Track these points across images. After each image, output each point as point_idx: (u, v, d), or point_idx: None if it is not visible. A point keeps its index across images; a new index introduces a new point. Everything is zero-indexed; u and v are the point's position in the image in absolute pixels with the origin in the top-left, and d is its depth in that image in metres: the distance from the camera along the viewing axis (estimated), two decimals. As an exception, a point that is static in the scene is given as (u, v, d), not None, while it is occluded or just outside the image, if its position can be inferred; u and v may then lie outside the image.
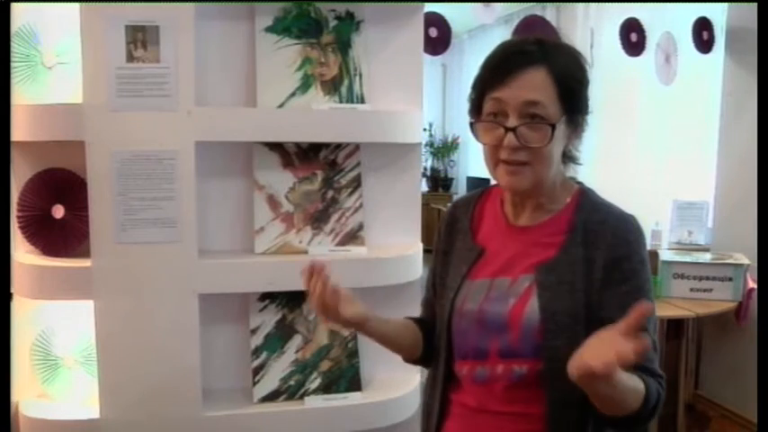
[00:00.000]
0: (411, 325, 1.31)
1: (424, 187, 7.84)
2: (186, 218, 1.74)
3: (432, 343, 1.28)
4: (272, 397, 1.86)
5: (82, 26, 1.66)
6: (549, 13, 5.16)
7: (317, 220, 1.90)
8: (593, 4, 4.67)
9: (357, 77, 1.91)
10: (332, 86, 1.90)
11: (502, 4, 3.72)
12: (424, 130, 5.07)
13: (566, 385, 0.95)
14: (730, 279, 3.07)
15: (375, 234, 1.97)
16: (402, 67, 1.97)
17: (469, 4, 3.42)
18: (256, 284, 1.84)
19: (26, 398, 1.85)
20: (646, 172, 4.31)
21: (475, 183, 7.07)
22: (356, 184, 1.94)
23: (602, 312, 1.10)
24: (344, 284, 1.87)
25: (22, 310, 1.81)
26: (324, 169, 1.92)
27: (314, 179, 1.92)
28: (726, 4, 3.55)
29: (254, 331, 1.89)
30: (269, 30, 1.87)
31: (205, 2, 1.77)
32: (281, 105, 1.85)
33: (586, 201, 1.18)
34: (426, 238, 1.91)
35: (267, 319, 1.90)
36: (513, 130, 1.08)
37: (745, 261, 3.08)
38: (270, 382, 1.87)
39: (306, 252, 1.87)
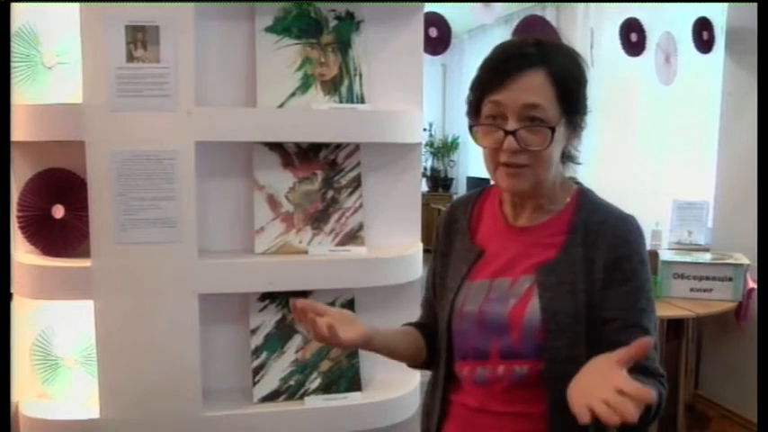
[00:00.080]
0: (412, 332, 1.31)
1: (424, 187, 7.84)
2: (186, 218, 1.74)
3: (435, 347, 1.28)
4: (272, 397, 1.86)
5: (82, 26, 1.66)
6: (549, 13, 5.16)
7: (317, 220, 1.90)
8: (593, 4, 4.67)
9: (357, 77, 1.91)
10: (332, 86, 1.90)
11: (502, 4, 3.72)
12: (424, 130, 5.06)
13: (567, 385, 0.95)
14: (730, 279, 3.07)
15: (375, 234, 1.97)
16: (402, 67, 1.97)
17: (469, 4, 3.42)
18: (256, 284, 1.84)
19: (26, 398, 1.85)
20: (646, 172, 4.31)
21: (475, 183, 7.07)
22: (356, 184, 1.94)
23: (603, 313, 1.10)
24: (344, 284, 1.90)
25: (22, 310, 1.81)
26: (324, 169, 1.92)
27: (314, 179, 1.92)
28: (726, 4, 3.55)
29: (254, 331, 1.89)
30: (269, 30, 1.87)
31: (205, 2, 1.77)
32: (281, 105, 1.85)
33: (586, 201, 1.18)
34: (426, 238, 1.91)
35: (267, 319, 1.90)
36: (513, 133, 1.07)
37: (745, 261, 3.08)
38: (270, 382, 1.87)
39: (306, 252, 1.87)
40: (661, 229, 3.61)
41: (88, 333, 1.78)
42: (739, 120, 3.38)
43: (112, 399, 1.75)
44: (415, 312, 1.40)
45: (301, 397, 1.87)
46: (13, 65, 1.73)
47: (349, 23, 1.92)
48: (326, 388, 1.90)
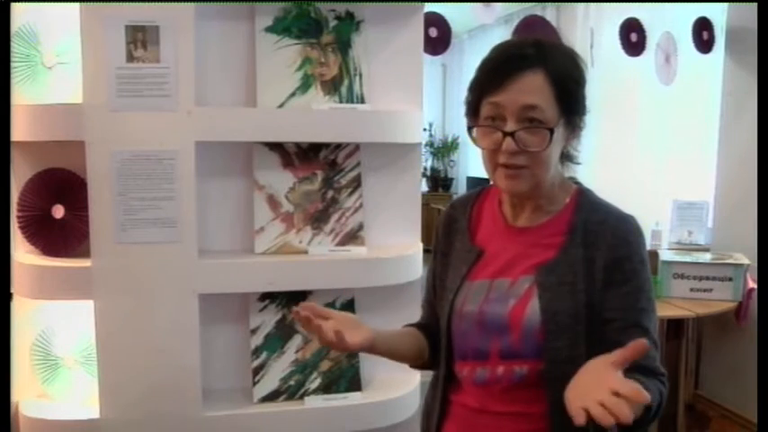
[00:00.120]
0: (415, 333, 1.31)
1: (424, 187, 7.84)
2: (186, 218, 1.74)
3: (437, 347, 1.28)
4: (272, 397, 1.86)
5: (82, 26, 1.66)
6: (549, 13, 5.15)
7: (317, 220, 1.90)
8: (593, 4, 4.67)
9: (357, 77, 1.91)
10: (332, 86, 1.90)
11: (502, 4, 3.71)
12: (424, 130, 5.07)
13: (567, 385, 0.95)
14: (730, 279, 3.07)
15: (375, 234, 1.97)
16: (402, 67, 1.97)
17: (469, 4, 3.42)
18: (256, 284, 1.84)
19: (26, 398, 1.85)
20: (646, 172, 4.31)
21: (475, 183, 7.07)
22: (356, 184, 1.94)
23: (604, 313, 1.10)
24: (344, 284, 1.90)
25: (22, 310, 1.81)
26: (324, 169, 1.92)
27: (314, 179, 1.92)
28: (726, 4, 3.55)
29: (254, 331, 1.89)
30: (269, 30, 1.87)
31: (205, 2, 1.77)
32: (281, 105, 1.85)
33: (585, 201, 1.18)
34: (426, 238, 1.91)
35: (267, 319, 1.90)
36: (512, 134, 1.07)
37: (745, 261, 3.08)
38: (270, 382, 1.87)
39: (306, 252, 1.87)
40: (661, 229, 3.61)
41: (88, 333, 1.78)
42: (739, 120, 3.37)
43: (112, 399, 1.75)
44: (415, 312, 1.40)
45: (301, 397, 1.87)
46: (13, 65, 1.73)
47: (349, 23, 1.92)
48: (326, 388, 1.90)
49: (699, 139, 3.85)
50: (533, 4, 5.31)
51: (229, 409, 1.82)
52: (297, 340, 1.91)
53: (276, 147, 1.89)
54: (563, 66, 1.10)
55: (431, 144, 8.12)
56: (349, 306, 1.94)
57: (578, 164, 1.20)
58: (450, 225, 1.28)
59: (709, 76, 3.68)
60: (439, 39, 3.30)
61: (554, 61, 1.09)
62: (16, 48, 1.77)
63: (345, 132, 1.87)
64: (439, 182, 8.25)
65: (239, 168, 1.90)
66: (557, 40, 1.21)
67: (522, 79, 1.07)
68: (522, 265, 1.15)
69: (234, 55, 1.87)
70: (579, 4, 4.85)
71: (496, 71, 1.09)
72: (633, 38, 3.67)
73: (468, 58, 7.34)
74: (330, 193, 1.92)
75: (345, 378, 1.91)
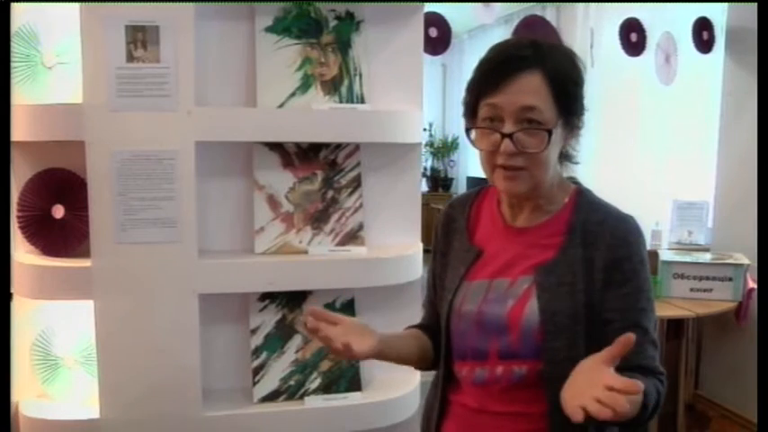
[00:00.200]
0: (418, 335, 1.31)
1: (424, 187, 7.84)
2: (186, 218, 1.74)
3: (440, 347, 1.28)
4: (272, 397, 1.86)
5: (82, 26, 1.66)
6: (549, 13, 5.16)
7: (317, 220, 1.90)
8: (593, 4, 4.67)
9: (357, 77, 1.91)
10: (332, 86, 1.90)
11: (502, 4, 3.72)
12: (424, 130, 5.07)
13: (565, 384, 0.95)
14: (730, 279, 3.07)
15: (375, 234, 1.97)
16: (402, 67, 1.97)
17: (469, 4, 3.42)
18: (256, 284, 1.84)
19: (26, 398, 1.85)
20: (646, 172, 4.31)
21: (475, 183, 7.05)
22: (356, 184, 1.94)
23: (603, 313, 1.10)
24: (344, 284, 1.90)
25: (22, 310, 1.81)
26: (324, 169, 1.92)
27: (314, 179, 1.92)
28: (726, 4, 3.55)
29: (254, 331, 1.89)
30: (269, 30, 1.87)
31: (205, 2, 1.77)
32: (281, 105, 1.85)
33: (584, 201, 1.18)
34: (426, 238, 1.91)
35: (267, 319, 1.90)
36: (510, 136, 1.07)
37: (745, 261, 3.08)
38: (270, 382, 1.87)
39: (306, 252, 1.87)
40: (661, 229, 3.61)
41: (88, 333, 1.78)
42: (739, 120, 3.37)
43: (112, 399, 1.75)
44: (415, 312, 1.40)
45: (301, 397, 1.87)
46: (13, 65, 1.73)
47: (349, 23, 1.92)
48: (326, 388, 1.90)
49: (699, 139, 3.85)
50: (533, 4, 5.31)
51: (229, 409, 1.82)
52: (297, 340, 1.91)
53: (276, 147, 1.89)
54: (561, 66, 1.10)
55: (431, 144, 8.12)
56: (349, 306, 1.94)
57: (577, 163, 1.20)
58: (449, 225, 1.28)
59: (709, 76, 3.68)
60: (439, 39, 3.30)
61: (552, 62, 1.09)
62: (16, 48, 1.77)
63: (345, 132, 1.87)
64: (439, 182, 8.25)
65: (239, 168, 1.90)
66: (555, 41, 1.21)
67: (519, 80, 1.07)
68: (520, 266, 1.15)
69: (234, 55, 1.87)
70: (579, 4, 4.85)
71: (494, 72, 1.09)
72: (633, 38, 3.67)
73: (468, 58, 7.35)
74: (330, 193, 1.92)
75: (345, 378, 1.91)
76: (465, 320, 1.17)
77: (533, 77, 1.07)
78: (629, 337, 0.92)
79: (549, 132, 1.07)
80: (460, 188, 8.15)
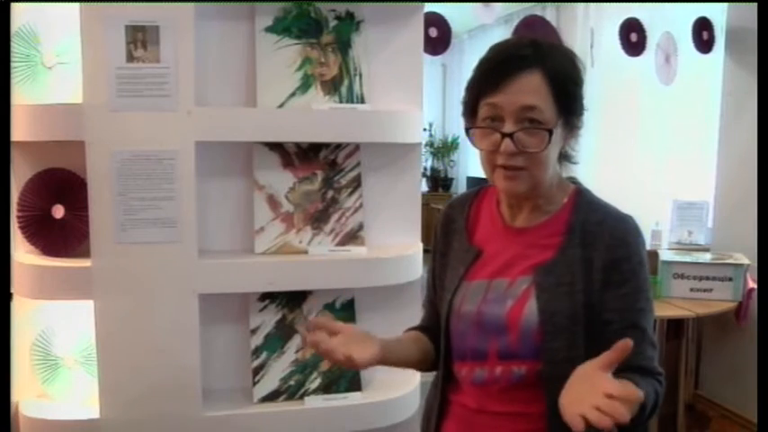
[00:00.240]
0: (418, 337, 1.30)
1: (424, 187, 7.84)
2: (186, 218, 1.74)
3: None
4: (272, 397, 1.86)
5: (82, 26, 1.66)
6: (549, 13, 5.16)
7: (317, 220, 1.90)
8: (593, 4, 4.67)
9: (357, 77, 1.91)
10: (332, 86, 1.90)
11: (502, 4, 3.72)
12: (424, 130, 5.07)
13: (565, 384, 0.95)
14: (730, 279, 3.07)
15: (375, 234, 1.97)
16: (402, 67, 1.96)
17: (469, 4, 3.42)
18: (256, 284, 1.84)
19: (26, 398, 1.85)
20: (646, 172, 4.31)
21: (475, 183, 7.02)
22: (356, 184, 1.94)
23: (602, 314, 1.10)
24: (344, 284, 1.90)
25: (22, 310, 1.81)
26: (324, 169, 1.92)
27: (314, 179, 1.92)
28: (726, 4, 3.55)
29: (254, 331, 1.89)
30: (269, 30, 1.87)
31: (205, 2, 1.77)
32: (281, 105, 1.85)
33: (583, 201, 1.18)
34: (426, 238, 1.91)
35: (267, 319, 1.90)
36: (510, 135, 1.07)
37: (745, 261, 3.08)
38: (270, 382, 1.87)
39: (306, 252, 1.87)
40: (661, 229, 3.61)
41: (88, 333, 1.78)
42: (739, 120, 3.38)
43: (112, 398, 1.75)
44: (415, 312, 1.40)
45: (301, 397, 1.87)
46: (13, 65, 1.73)
47: (349, 23, 1.92)
48: (326, 388, 1.90)
49: (699, 139, 3.85)
50: (533, 4, 5.31)
51: (229, 409, 1.82)
52: (297, 340, 1.91)
53: (276, 147, 1.89)
54: (561, 66, 1.10)
55: (431, 144, 8.12)
56: (349, 306, 1.94)
57: (575, 163, 1.20)
58: (449, 225, 1.28)
59: (709, 76, 3.68)
60: (439, 39, 3.30)
61: (552, 61, 1.09)
62: (16, 48, 1.77)
63: (345, 132, 1.87)
64: (439, 182, 8.25)
65: (239, 168, 1.90)
66: (555, 41, 1.21)
67: (519, 80, 1.07)
68: (520, 266, 1.15)
69: (234, 55, 1.87)
70: (579, 4, 4.85)
71: (494, 72, 1.09)
72: (633, 38, 3.66)
73: (468, 58, 7.35)
74: (330, 193, 1.92)
75: (345, 378, 1.91)
76: (464, 321, 1.17)
77: (533, 77, 1.07)
78: (627, 342, 0.92)
79: (550, 132, 1.07)
80: (460, 188, 8.15)
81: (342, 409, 1.87)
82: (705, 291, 3.09)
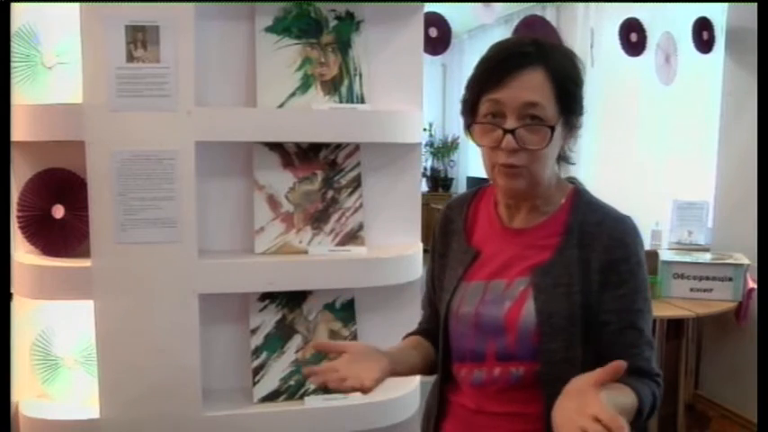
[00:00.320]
0: (419, 343, 1.30)
1: (424, 187, 7.84)
2: (186, 218, 1.74)
3: None
4: (272, 397, 1.86)
5: (82, 26, 1.66)
6: (549, 13, 5.15)
7: (317, 220, 1.90)
8: (593, 4, 4.67)
9: (357, 77, 1.91)
10: (332, 86, 1.90)
11: (502, 4, 3.72)
12: (424, 130, 5.07)
13: (563, 385, 0.95)
14: (730, 279, 3.07)
15: (375, 234, 1.97)
16: (402, 67, 1.97)
17: (469, 4, 3.42)
18: (256, 284, 1.84)
19: (26, 398, 1.85)
20: (646, 172, 4.31)
21: (475, 183, 7.02)
22: (356, 184, 1.94)
23: (600, 315, 1.10)
24: (344, 284, 1.90)
25: (22, 310, 1.81)
26: (324, 169, 1.92)
27: (314, 179, 1.92)
28: (726, 4, 3.55)
29: (254, 331, 1.89)
30: (269, 30, 1.87)
31: (205, 2, 1.77)
32: (281, 105, 1.85)
33: (581, 202, 1.17)
34: (426, 238, 1.91)
35: (267, 319, 1.90)
36: (512, 131, 1.07)
37: (745, 261, 3.08)
38: (270, 382, 1.87)
39: (306, 252, 1.87)
40: (661, 229, 3.61)
41: (88, 333, 1.78)
42: (739, 120, 3.37)
43: (112, 398, 1.75)
44: (415, 312, 1.40)
45: (301, 397, 1.87)
46: (13, 65, 1.73)
47: (349, 23, 1.92)
48: (326, 388, 1.89)
49: (699, 139, 3.85)
50: (533, 4, 5.31)
51: (229, 409, 1.82)
52: (297, 340, 1.91)
53: (276, 147, 1.89)
54: (562, 65, 1.10)
55: (431, 144, 8.12)
56: (349, 306, 1.94)
57: (572, 164, 1.20)
58: (447, 226, 1.27)
59: (709, 76, 3.68)
60: (439, 39, 3.30)
61: (554, 60, 1.09)
62: (16, 48, 1.77)
63: (345, 132, 1.87)
64: (439, 182, 8.25)
65: (239, 168, 1.90)
66: (555, 41, 1.20)
67: (522, 76, 1.07)
68: (517, 267, 1.15)
69: (234, 55, 1.87)
70: (579, 4, 4.85)
71: (497, 68, 1.09)
72: (633, 38, 3.66)
73: (469, 58, 7.34)
74: (330, 193, 1.92)
75: (345, 378, 1.91)
76: (463, 322, 1.17)
77: (536, 74, 1.07)
78: (621, 363, 0.91)
79: (552, 129, 1.07)
80: (460, 188, 8.15)
81: (342, 409, 1.87)
82: (705, 291, 3.09)
